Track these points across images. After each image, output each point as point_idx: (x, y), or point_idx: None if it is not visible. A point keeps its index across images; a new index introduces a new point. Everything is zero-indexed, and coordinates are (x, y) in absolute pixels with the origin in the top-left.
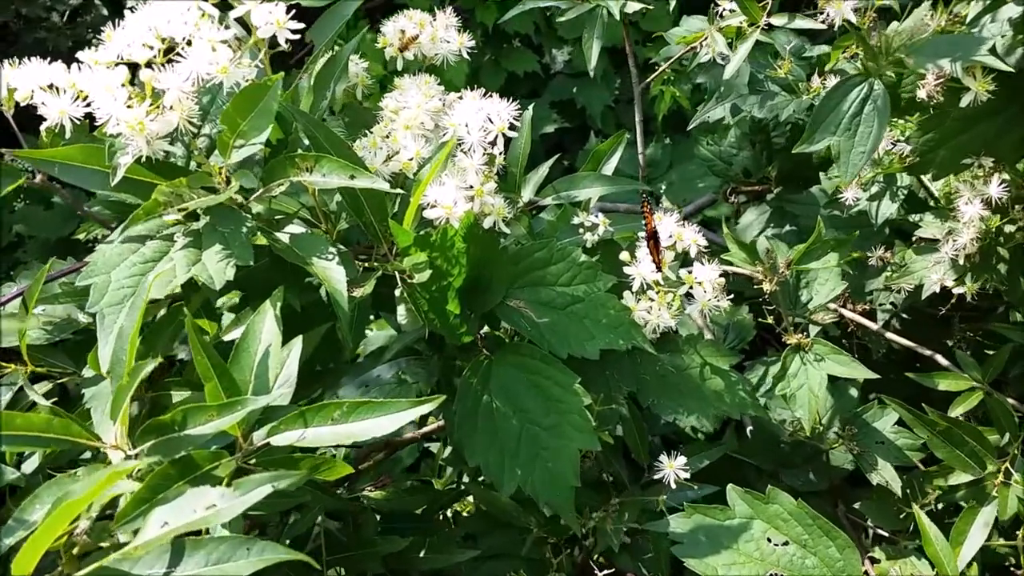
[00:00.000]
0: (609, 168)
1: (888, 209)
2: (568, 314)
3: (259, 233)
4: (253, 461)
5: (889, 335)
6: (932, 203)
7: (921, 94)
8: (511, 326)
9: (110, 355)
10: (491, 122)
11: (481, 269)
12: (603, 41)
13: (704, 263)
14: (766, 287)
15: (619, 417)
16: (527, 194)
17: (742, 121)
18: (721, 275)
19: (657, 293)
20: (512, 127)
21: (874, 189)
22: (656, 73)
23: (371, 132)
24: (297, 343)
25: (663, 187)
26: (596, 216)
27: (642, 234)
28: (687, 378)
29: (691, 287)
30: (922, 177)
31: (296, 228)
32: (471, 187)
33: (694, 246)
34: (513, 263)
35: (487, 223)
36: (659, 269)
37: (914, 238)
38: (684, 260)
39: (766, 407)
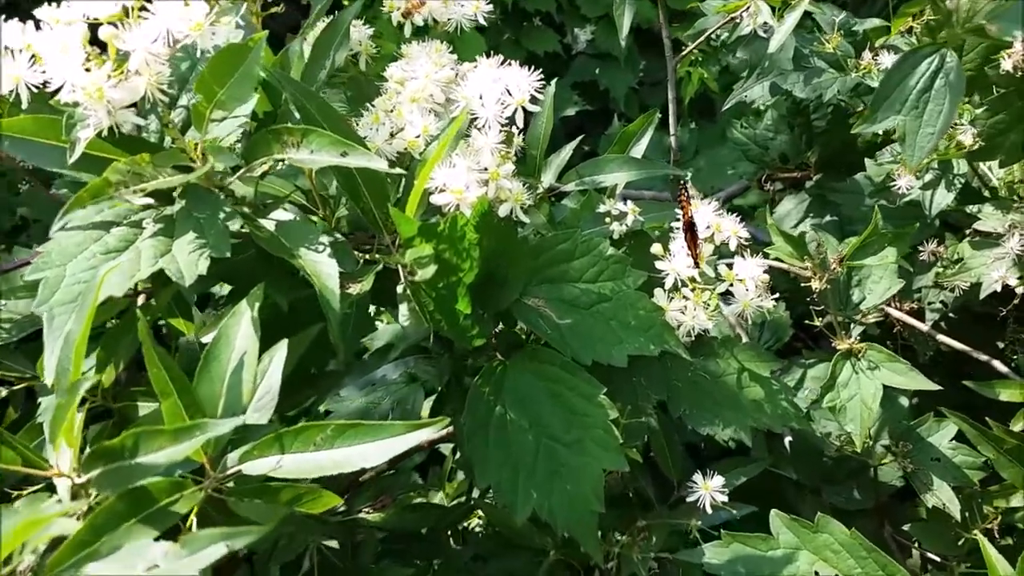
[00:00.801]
0: (638, 151)
1: (943, 199)
2: (593, 314)
3: (243, 220)
4: (226, 489)
5: (941, 338)
6: (987, 193)
7: (1006, 65)
8: (529, 328)
9: (55, 364)
10: (509, 95)
11: (496, 263)
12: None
13: (746, 257)
14: (815, 285)
15: (647, 429)
16: (548, 179)
17: (778, 103)
18: (765, 271)
19: (693, 291)
20: (533, 101)
21: (928, 177)
22: (687, 50)
23: (373, 106)
24: (280, 349)
25: (689, 174)
26: (624, 204)
27: (677, 224)
28: (723, 386)
29: (731, 284)
30: (980, 165)
31: (286, 214)
32: (485, 169)
33: (734, 238)
34: (533, 256)
35: (503, 210)
36: (696, 264)
37: (968, 231)
38: (720, 254)
39: (809, 417)
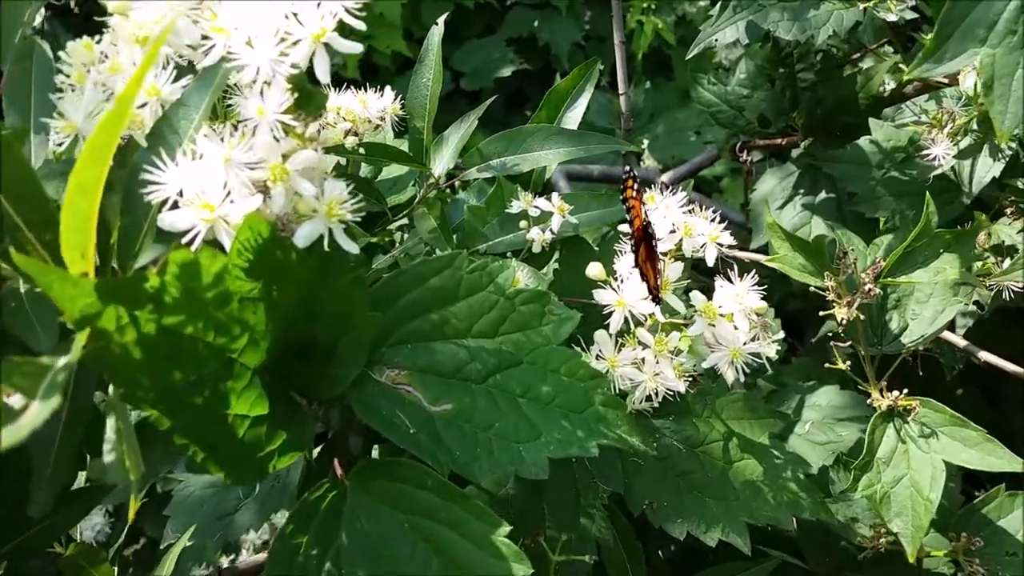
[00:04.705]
0: (573, 118)
1: (989, 171)
2: (489, 391)
3: None
4: None
5: (984, 356)
6: None
7: None
8: (376, 428)
9: None
10: (300, 24)
11: (314, 318)
12: None
13: (732, 278)
14: (840, 313)
15: (595, 544)
16: (442, 163)
17: (755, 51)
18: (763, 296)
19: (654, 334)
20: (343, 33)
21: (965, 143)
22: None
23: (69, 56)
24: None
25: (645, 142)
26: (549, 200)
27: (626, 231)
28: (704, 462)
29: (712, 322)
30: None
31: None
32: (260, 161)
33: (713, 247)
34: (387, 301)
35: (305, 234)
36: (655, 295)
37: (1010, 211)
38: (697, 269)
39: (826, 492)
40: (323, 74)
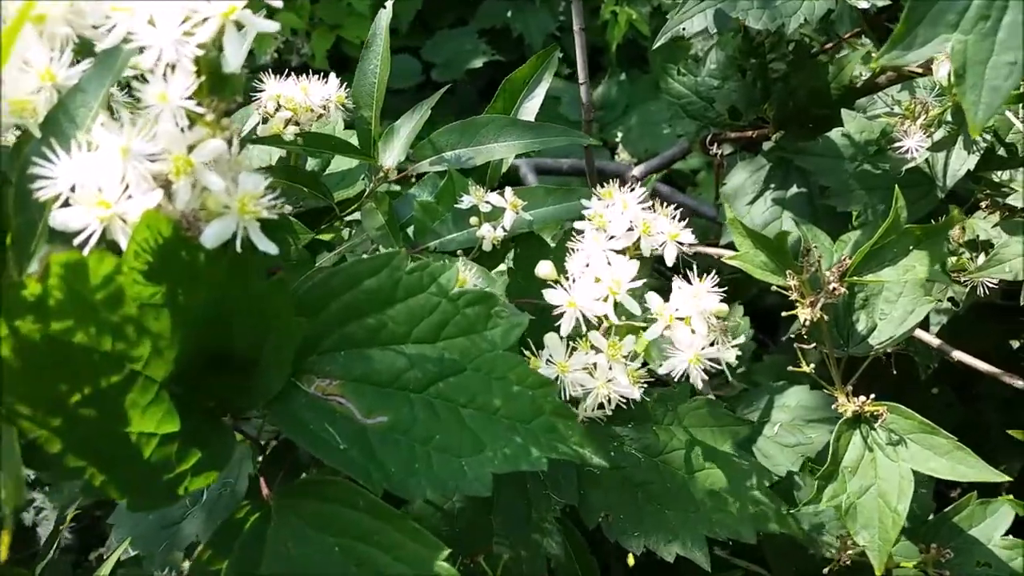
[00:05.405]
0: (531, 109)
1: (963, 164)
2: (429, 402)
3: None
4: None
5: (958, 355)
6: (1003, 152)
7: None
8: (302, 444)
9: None
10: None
11: (228, 324)
12: None
13: (692, 278)
14: (803, 315)
15: (547, 560)
16: (392, 155)
17: (726, 40)
18: (726, 296)
19: (607, 337)
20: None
21: (939, 135)
22: None
23: None
24: None
25: (619, 135)
26: (502, 195)
27: (583, 228)
28: (664, 472)
29: (669, 326)
30: (1009, 114)
31: None
32: (162, 152)
33: (672, 245)
34: (315, 305)
35: (215, 233)
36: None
37: (984, 205)
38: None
39: (790, 501)
40: (234, 55)
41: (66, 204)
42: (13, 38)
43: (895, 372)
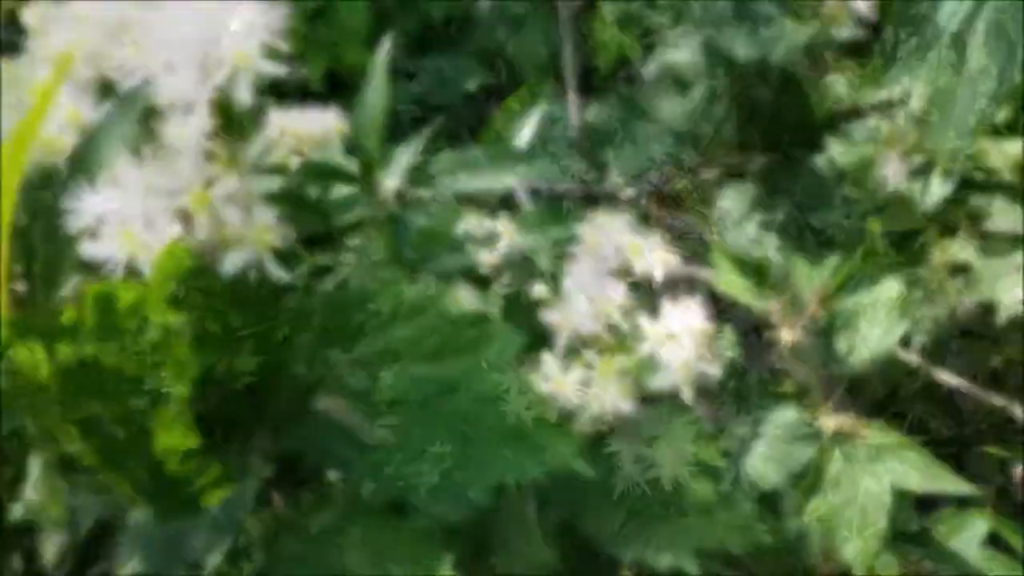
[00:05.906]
0: (523, 136)
1: (941, 190)
2: (429, 419)
3: None
4: None
5: (944, 376)
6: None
7: None
8: (310, 458)
9: None
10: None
11: (243, 347)
12: None
13: (681, 298)
14: (784, 336)
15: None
16: (390, 183)
17: (712, 67)
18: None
19: (600, 354)
20: (274, 55)
21: (918, 161)
22: None
23: None
24: None
25: (611, 157)
26: (498, 220)
27: (578, 252)
28: (654, 486)
29: (659, 344)
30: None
31: None
32: (181, 188)
33: (660, 267)
34: (323, 327)
35: (231, 262)
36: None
37: (962, 228)
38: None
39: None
40: (245, 97)
41: (93, 236)
42: (54, 87)
43: (878, 390)
